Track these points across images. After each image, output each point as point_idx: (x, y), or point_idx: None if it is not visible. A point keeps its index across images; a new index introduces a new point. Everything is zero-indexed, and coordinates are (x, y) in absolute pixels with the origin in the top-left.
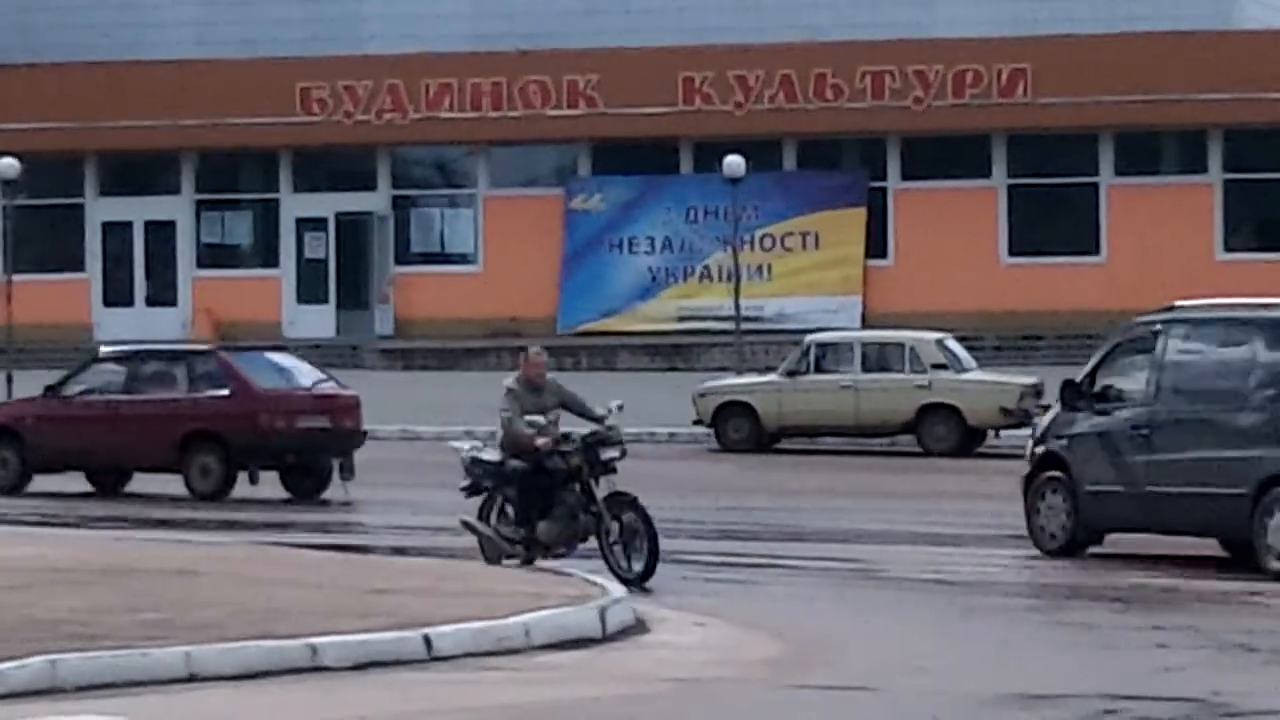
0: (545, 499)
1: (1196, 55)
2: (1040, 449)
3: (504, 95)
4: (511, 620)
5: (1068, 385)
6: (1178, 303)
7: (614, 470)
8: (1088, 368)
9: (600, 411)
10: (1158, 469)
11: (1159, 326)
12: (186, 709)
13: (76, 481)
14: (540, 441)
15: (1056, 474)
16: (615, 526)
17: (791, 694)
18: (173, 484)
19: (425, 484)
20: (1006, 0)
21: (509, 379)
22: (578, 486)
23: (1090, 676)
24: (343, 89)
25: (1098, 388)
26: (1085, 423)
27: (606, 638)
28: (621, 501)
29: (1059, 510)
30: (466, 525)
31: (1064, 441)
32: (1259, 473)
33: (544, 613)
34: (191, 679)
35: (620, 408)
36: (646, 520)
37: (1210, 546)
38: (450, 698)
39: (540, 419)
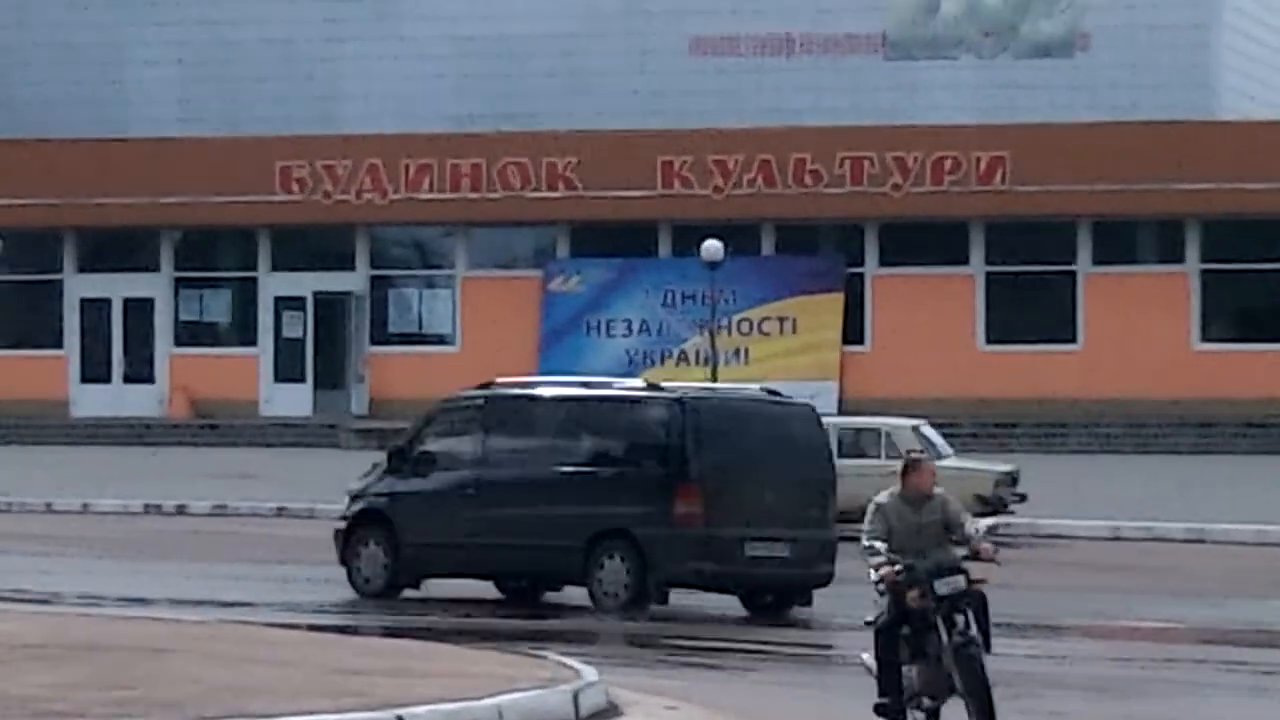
0: (916, 638)
1: (1175, 145)
2: (359, 506)
3: (483, 176)
4: (485, 702)
5: (394, 450)
6: (497, 379)
7: (958, 606)
8: (409, 434)
9: (969, 531)
10: (487, 524)
11: (481, 401)
12: None
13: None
14: (882, 572)
15: (376, 528)
16: (958, 670)
17: None
18: None
19: None
20: (986, 88)
21: (882, 494)
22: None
23: None
24: (322, 168)
25: (418, 453)
26: (409, 483)
27: None
28: (959, 644)
29: (378, 560)
30: (866, 667)
31: (386, 499)
32: (591, 528)
33: (517, 694)
34: None
35: (991, 530)
36: (975, 661)
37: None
38: None
39: (880, 544)
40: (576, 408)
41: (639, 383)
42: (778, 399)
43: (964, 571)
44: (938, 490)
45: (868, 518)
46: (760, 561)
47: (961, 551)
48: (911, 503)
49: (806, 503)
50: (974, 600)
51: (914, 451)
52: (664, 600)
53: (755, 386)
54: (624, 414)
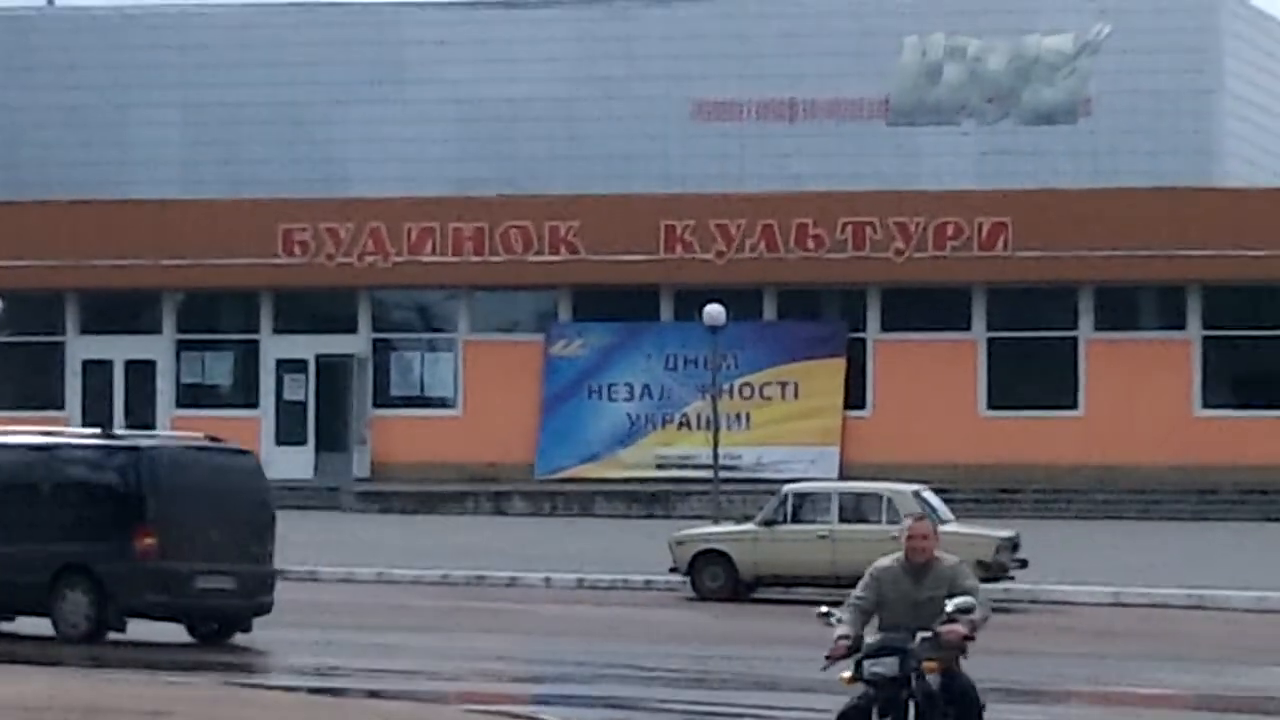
0: None
1: (1176, 211)
2: None
3: (486, 240)
4: None
5: None
6: None
7: (898, 695)
8: None
9: (954, 607)
10: None
11: None
12: None
13: None
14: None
15: None
16: None
17: None
18: None
19: (399, 627)
20: (988, 154)
21: (885, 558)
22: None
23: None
24: (325, 231)
25: None
26: None
27: None
28: None
29: None
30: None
31: None
32: (54, 564)
33: None
34: None
35: (962, 610)
36: None
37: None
38: None
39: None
40: (39, 455)
41: (96, 431)
42: (223, 447)
43: (904, 652)
44: (948, 559)
45: (860, 583)
46: (209, 593)
47: (926, 633)
48: (912, 573)
49: (248, 540)
50: (945, 691)
51: (911, 516)
52: (123, 629)
53: (200, 436)
54: (85, 460)
